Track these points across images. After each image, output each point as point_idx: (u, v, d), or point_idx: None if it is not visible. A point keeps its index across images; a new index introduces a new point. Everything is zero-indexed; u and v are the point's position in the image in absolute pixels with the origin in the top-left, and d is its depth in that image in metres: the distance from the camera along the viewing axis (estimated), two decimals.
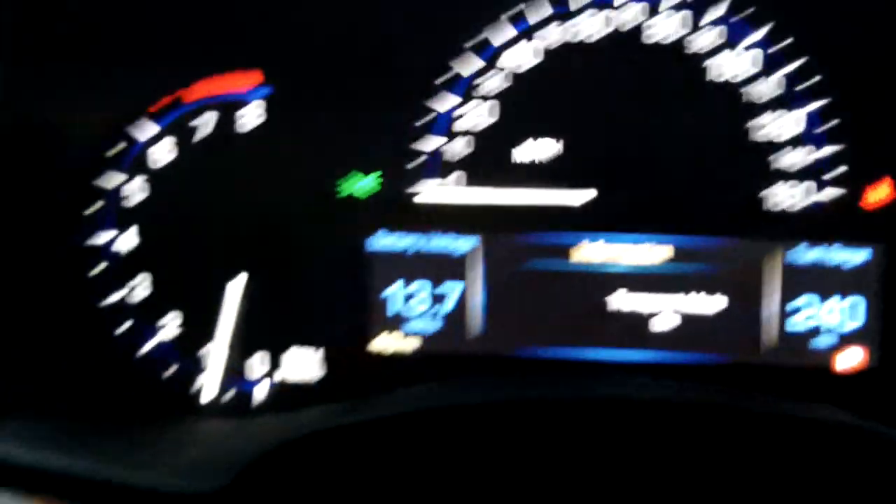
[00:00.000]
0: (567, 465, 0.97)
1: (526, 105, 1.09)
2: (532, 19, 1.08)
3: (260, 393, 1.14)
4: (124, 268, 1.13)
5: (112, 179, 1.12)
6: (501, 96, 1.09)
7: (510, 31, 1.08)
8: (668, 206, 1.09)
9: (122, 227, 1.13)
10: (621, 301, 1.10)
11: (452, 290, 1.12)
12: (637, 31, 1.07)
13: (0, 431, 1.01)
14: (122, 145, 1.11)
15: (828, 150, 1.06)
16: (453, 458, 0.97)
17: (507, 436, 0.97)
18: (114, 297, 1.14)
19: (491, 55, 1.09)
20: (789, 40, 1.05)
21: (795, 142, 1.06)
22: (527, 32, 1.08)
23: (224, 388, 1.14)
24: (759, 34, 1.06)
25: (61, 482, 0.93)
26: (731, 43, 1.06)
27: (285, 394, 1.14)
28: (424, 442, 0.98)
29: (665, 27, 1.07)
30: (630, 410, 0.97)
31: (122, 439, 1.04)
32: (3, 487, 0.93)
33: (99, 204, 1.12)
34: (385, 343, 1.13)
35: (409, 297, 1.12)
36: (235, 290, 1.12)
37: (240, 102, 1.10)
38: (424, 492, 0.96)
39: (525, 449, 0.97)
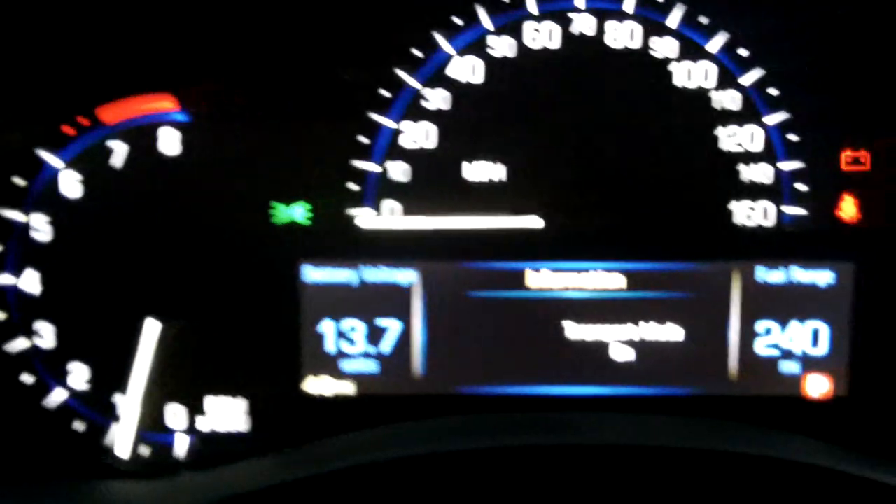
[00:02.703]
0: None
1: (472, 123, 1.02)
2: (487, 26, 1.01)
3: (183, 446, 1.04)
4: (33, 307, 1.03)
5: (18, 211, 1.02)
6: (447, 113, 1.02)
7: (460, 41, 1.02)
8: (621, 231, 1.03)
9: (29, 264, 1.02)
10: (572, 332, 1.04)
11: (391, 325, 1.04)
12: (599, 37, 1.02)
13: None
14: (30, 173, 1.02)
15: (788, 165, 1.02)
16: None
17: (460, 483, 0.93)
18: (18, 343, 1.03)
19: (438, 66, 1.02)
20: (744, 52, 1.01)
21: (755, 158, 1.02)
22: (479, 41, 1.02)
23: (141, 442, 1.03)
24: (715, 45, 1.01)
25: None
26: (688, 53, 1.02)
27: (212, 445, 1.04)
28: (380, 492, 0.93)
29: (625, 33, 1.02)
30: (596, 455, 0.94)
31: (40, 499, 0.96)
32: None
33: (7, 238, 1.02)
34: (318, 385, 1.05)
35: (343, 334, 1.04)
36: (151, 333, 1.02)
37: (158, 125, 1.01)
38: None
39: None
